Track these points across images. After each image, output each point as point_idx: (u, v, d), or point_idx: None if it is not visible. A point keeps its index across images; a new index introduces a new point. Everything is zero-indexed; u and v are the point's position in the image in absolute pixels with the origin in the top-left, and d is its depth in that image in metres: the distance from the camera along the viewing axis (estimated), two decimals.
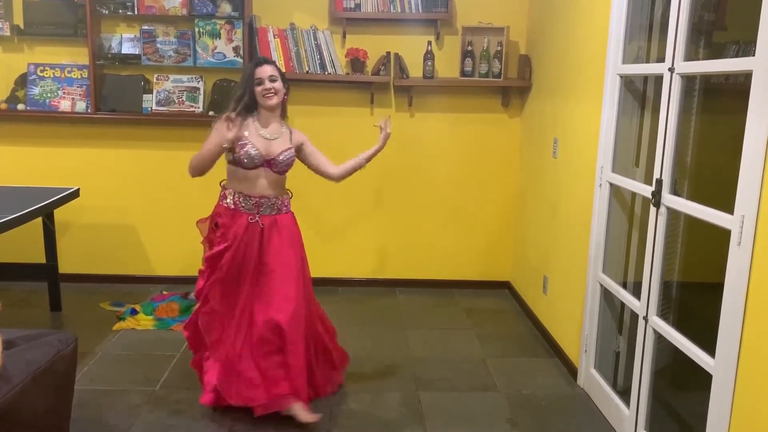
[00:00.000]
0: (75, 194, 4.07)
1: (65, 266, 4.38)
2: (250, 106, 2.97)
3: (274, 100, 2.95)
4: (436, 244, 4.82)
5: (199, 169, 2.97)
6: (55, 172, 4.53)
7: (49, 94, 4.40)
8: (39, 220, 3.88)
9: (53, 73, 4.39)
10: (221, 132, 2.86)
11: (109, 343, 3.74)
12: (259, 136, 2.95)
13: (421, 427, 2.97)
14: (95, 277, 4.69)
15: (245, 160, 2.91)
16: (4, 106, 4.40)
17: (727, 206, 2.11)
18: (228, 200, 3.00)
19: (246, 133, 2.93)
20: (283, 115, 3.09)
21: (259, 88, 2.93)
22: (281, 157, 2.97)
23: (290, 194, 3.12)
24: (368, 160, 3.13)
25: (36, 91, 4.39)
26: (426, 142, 4.66)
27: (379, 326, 4.13)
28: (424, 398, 3.22)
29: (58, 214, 4.12)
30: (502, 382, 3.40)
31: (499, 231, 4.80)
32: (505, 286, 4.86)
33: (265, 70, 2.94)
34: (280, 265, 2.96)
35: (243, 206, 2.97)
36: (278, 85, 2.95)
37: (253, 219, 2.97)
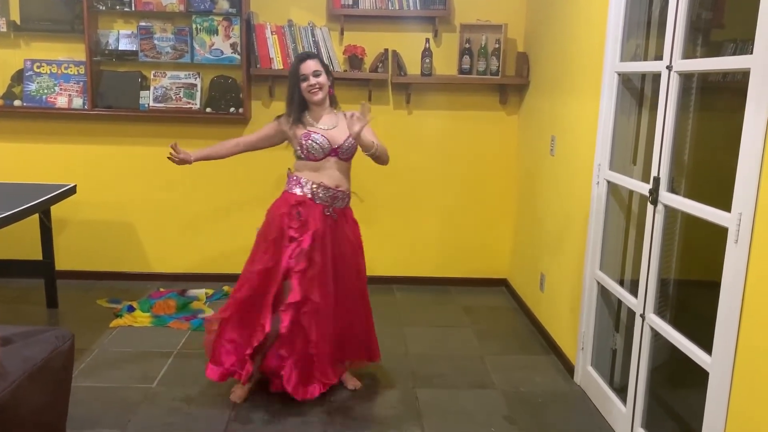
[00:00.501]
0: (72, 191, 4.06)
1: (62, 263, 4.37)
2: (302, 103, 3.02)
3: (320, 95, 3.00)
4: (433, 242, 4.82)
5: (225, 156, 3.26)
6: (52, 168, 4.52)
7: (45, 91, 4.38)
8: (36, 216, 3.87)
9: (50, 69, 4.38)
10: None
11: (106, 340, 3.73)
12: (320, 129, 3.00)
13: (418, 424, 2.97)
14: (92, 273, 4.68)
15: (313, 149, 2.97)
16: (0, 102, 4.38)
17: (725, 204, 2.11)
18: (305, 189, 3.00)
19: (308, 128, 3.01)
20: (333, 105, 3.12)
21: (304, 84, 2.98)
22: (346, 144, 3.00)
23: None
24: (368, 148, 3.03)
25: (32, 87, 4.38)
26: (424, 139, 4.66)
27: (377, 323, 4.09)
28: (421, 395, 3.22)
29: (55, 210, 4.11)
30: (500, 380, 3.41)
31: (496, 228, 4.80)
32: (503, 283, 4.86)
33: (309, 66, 2.98)
34: (346, 267, 3.10)
35: (320, 197, 3.00)
36: (322, 79, 3.00)
37: (329, 211, 3.01)
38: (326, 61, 4.33)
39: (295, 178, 3.05)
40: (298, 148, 3.03)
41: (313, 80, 2.97)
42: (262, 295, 3.00)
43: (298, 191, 3.01)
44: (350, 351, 3.25)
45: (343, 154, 3.04)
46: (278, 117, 3.15)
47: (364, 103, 2.93)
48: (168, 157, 3.12)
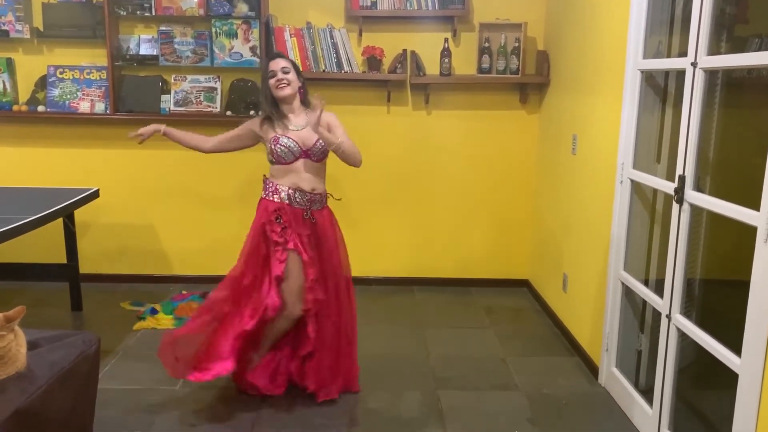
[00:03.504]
0: (95, 195, 4.10)
1: (86, 266, 4.42)
2: (273, 102, 3.03)
3: (287, 90, 2.99)
4: (453, 242, 4.80)
5: (195, 148, 3.33)
6: (75, 173, 4.57)
7: (68, 96, 4.43)
8: (60, 220, 3.92)
9: (72, 75, 4.43)
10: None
11: (130, 343, 3.76)
12: (289, 130, 2.99)
13: (440, 426, 2.96)
14: (115, 277, 4.73)
15: (282, 153, 2.96)
16: (24, 107, 4.45)
17: (753, 203, 2.07)
18: (282, 195, 2.99)
19: (277, 131, 2.99)
20: (306, 106, 3.11)
21: (272, 81, 2.99)
22: (317, 145, 2.98)
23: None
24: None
25: (56, 92, 4.43)
26: (443, 139, 4.64)
27: (397, 325, 4.12)
28: (443, 397, 3.21)
29: (78, 214, 4.16)
30: (523, 381, 3.38)
31: (517, 228, 4.77)
32: (524, 284, 4.83)
33: (278, 63, 3.01)
34: (328, 259, 3.07)
35: (297, 202, 2.99)
36: (291, 76, 3.00)
37: (307, 215, 3.00)
38: (345, 63, 4.35)
39: (270, 183, 3.03)
40: (269, 152, 3.02)
41: (281, 75, 2.97)
42: (244, 305, 3.01)
43: (276, 198, 3.00)
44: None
45: (314, 155, 3.00)
46: (252, 118, 3.18)
47: (317, 95, 2.93)
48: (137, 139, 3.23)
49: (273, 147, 2.97)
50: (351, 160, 3.02)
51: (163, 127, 3.22)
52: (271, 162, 3.05)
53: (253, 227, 3.07)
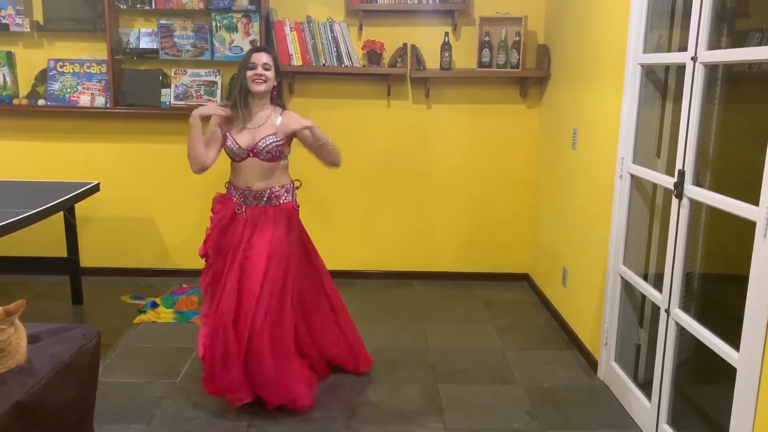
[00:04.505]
0: (95, 188, 4.10)
1: (86, 260, 4.43)
2: (244, 93, 2.98)
3: (262, 87, 2.95)
4: (453, 236, 4.80)
5: (191, 158, 2.99)
6: (76, 166, 4.58)
7: (68, 90, 4.43)
8: (60, 214, 3.92)
9: (73, 69, 4.42)
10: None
11: (131, 336, 3.78)
12: (245, 129, 2.97)
13: (440, 419, 2.97)
14: (116, 270, 4.74)
15: (229, 154, 2.99)
16: (24, 101, 4.45)
17: (752, 197, 2.07)
18: (229, 190, 3.08)
19: (232, 129, 2.99)
20: (275, 105, 3.04)
21: (250, 73, 2.94)
22: (261, 144, 2.93)
23: (291, 185, 3.09)
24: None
25: (56, 86, 4.43)
26: (443, 133, 4.64)
27: (397, 318, 4.13)
28: (443, 390, 3.22)
29: (79, 208, 4.16)
30: (522, 375, 3.39)
31: (517, 222, 4.77)
32: (524, 278, 4.83)
33: (261, 57, 2.96)
34: (252, 256, 2.94)
35: (234, 196, 3.03)
36: (270, 74, 2.96)
37: (240, 209, 3.00)
38: (345, 57, 4.34)
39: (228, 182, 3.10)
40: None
41: (260, 70, 2.93)
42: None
43: (227, 193, 3.09)
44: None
45: (261, 155, 2.94)
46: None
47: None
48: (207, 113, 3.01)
49: (226, 143, 2.99)
50: (333, 158, 3.02)
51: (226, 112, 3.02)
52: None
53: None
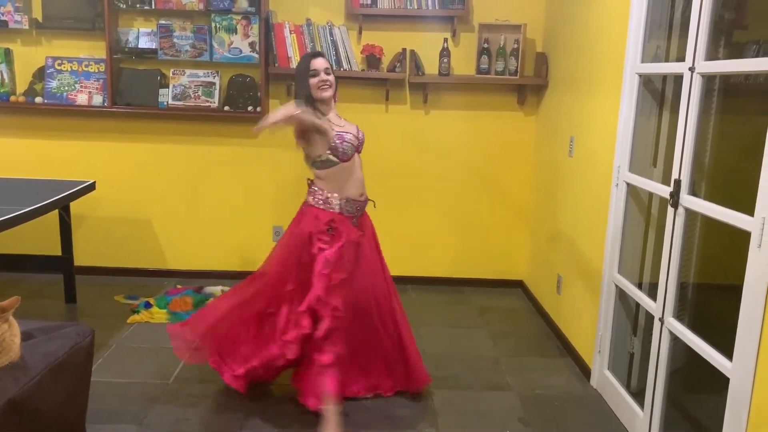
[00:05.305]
0: (91, 187, 4.09)
1: (80, 259, 4.41)
2: (310, 101, 2.92)
3: (329, 92, 2.93)
4: (449, 242, 4.81)
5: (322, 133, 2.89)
6: (72, 165, 4.57)
7: (66, 88, 4.43)
8: (55, 212, 3.91)
9: (71, 67, 4.42)
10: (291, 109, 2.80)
11: (124, 336, 3.76)
12: (336, 126, 2.95)
13: (433, 424, 2.96)
14: (110, 270, 4.73)
15: (348, 150, 2.91)
16: (22, 98, 4.44)
17: (747, 208, 2.09)
18: (334, 206, 2.91)
19: (334, 126, 2.93)
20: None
21: (314, 80, 2.90)
22: (362, 136, 3.05)
23: None
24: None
25: (53, 84, 4.42)
26: (441, 139, 4.65)
27: None
28: (436, 396, 3.22)
29: (74, 206, 4.15)
30: (515, 381, 3.39)
31: (513, 229, 4.78)
32: (519, 285, 4.84)
33: (320, 63, 2.93)
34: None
35: (348, 210, 2.95)
36: (332, 78, 2.95)
37: (354, 222, 2.98)
38: (344, 60, 4.35)
39: (320, 193, 2.92)
40: (329, 151, 2.88)
41: (324, 76, 2.90)
42: (275, 314, 2.95)
43: (326, 206, 2.91)
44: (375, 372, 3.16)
45: (360, 148, 3.04)
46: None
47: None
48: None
49: (339, 144, 2.88)
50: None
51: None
52: (325, 162, 2.90)
53: (298, 237, 2.93)
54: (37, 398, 1.95)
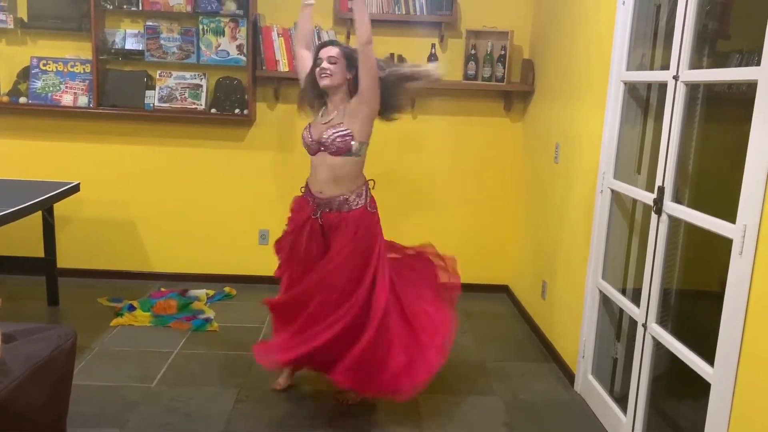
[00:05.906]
0: (75, 189, 4.06)
1: (64, 261, 4.37)
2: (317, 88, 2.96)
3: (326, 81, 2.89)
4: (435, 246, 4.80)
5: (298, 35, 3.19)
6: (56, 166, 4.52)
7: (51, 88, 4.39)
8: (38, 213, 3.87)
9: (56, 67, 4.38)
10: None
11: (107, 339, 3.73)
12: (318, 123, 2.97)
13: (418, 429, 2.96)
14: (93, 272, 4.68)
15: (305, 147, 3.01)
16: (6, 99, 4.39)
17: (729, 215, 2.11)
18: (303, 189, 3.09)
19: (317, 119, 3.01)
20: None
21: (317, 68, 2.92)
22: (325, 135, 2.89)
23: (365, 186, 3.05)
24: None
25: (38, 84, 4.38)
26: (427, 144, 4.66)
27: None
28: (422, 401, 3.21)
29: (58, 208, 4.11)
30: (500, 387, 3.40)
31: (498, 235, 4.80)
32: (504, 290, 4.86)
33: (327, 51, 2.92)
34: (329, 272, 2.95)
35: (312, 199, 3.01)
36: (335, 67, 2.88)
37: (315, 214, 2.98)
38: None
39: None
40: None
41: (325, 65, 2.88)
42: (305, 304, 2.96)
43: (301, 189, 3.10)
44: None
45: (327, 148, 2.89)
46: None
47: None
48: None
49: (304, 135, 3.01)
50: (364, 27, 2.85)
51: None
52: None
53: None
54: (17, 401, 1.93)
